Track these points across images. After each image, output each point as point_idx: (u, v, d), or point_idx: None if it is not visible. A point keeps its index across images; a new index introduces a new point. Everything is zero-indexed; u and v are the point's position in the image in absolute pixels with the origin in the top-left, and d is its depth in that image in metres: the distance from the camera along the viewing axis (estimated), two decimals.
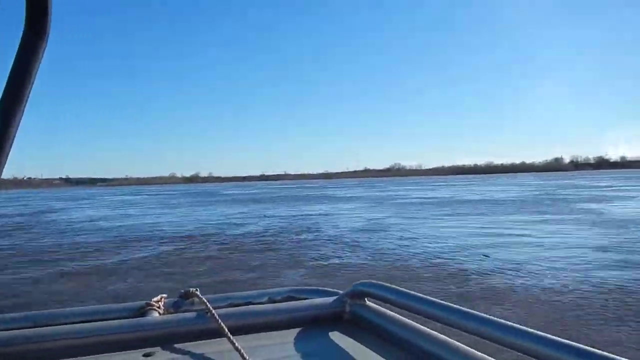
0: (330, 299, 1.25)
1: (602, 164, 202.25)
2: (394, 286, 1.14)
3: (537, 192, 36.49)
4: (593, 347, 0.69)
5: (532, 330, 0.78)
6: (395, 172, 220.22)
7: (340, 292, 1.28)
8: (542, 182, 60.90)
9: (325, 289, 1.37)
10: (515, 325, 0.81)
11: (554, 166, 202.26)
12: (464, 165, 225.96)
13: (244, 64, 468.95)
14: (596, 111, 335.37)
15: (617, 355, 0.64)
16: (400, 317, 1.08)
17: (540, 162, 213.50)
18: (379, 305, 1.17)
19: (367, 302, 1.20)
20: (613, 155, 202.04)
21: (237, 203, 35.31)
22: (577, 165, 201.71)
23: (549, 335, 0.75)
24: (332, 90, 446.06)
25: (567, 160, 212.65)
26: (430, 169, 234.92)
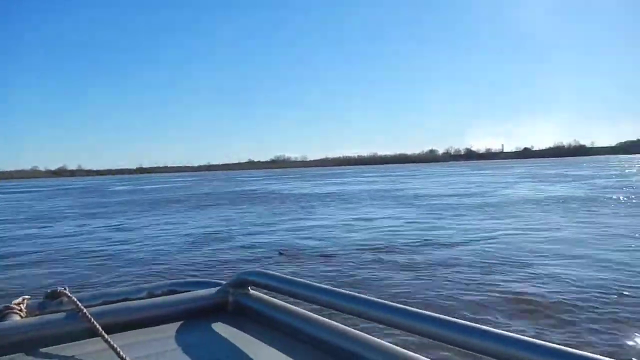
0: (213, 290, 1.25)
1: (471, 155, 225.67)
2: (277, 274, 1.16)
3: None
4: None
5: (414, 309, 0.82)
6: (279, 164, 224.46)
7: (224, 282, 1.29)
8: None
9: (208, 280, 1.37)
10: (398, 305, 0.85)
11: (430, 157, 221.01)
12: (349, 156, 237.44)
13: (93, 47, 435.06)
14: (462, 107, 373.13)
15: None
16: (285, 304, 1.13)
17: (417, 154, 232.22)
18: (264, 293, 1.20)
19: (251, 291, 1.23)
20: (477, 147, 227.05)
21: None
22: (452, 156, 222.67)
23: (423, 312, 0.81)
24: (211, 85, 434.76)
25: (440, 152, 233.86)
26: (314, 160, 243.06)
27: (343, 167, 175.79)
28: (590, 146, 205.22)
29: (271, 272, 1.19)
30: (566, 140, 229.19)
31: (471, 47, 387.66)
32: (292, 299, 1.09)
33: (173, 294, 1.28)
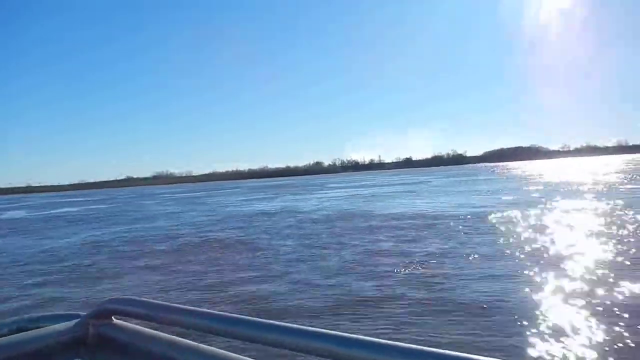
0: (71, 324, 1.15)
1: (358, 166, 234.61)
2: (145, 299, 1.09)
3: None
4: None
5: (302, 327, 0.83)
6: (162, 180, 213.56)
7: (83, 314, 1.18)
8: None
9: (66, 312, 1.23)
10: (283, 324, 0.85)
11: (318, 169, 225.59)
12: (240, 170, 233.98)
13: None
14: (340, 121, 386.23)
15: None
16: (155, 332, 1.07)
17: (303, 165, 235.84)
18: (129, 322, 1.13)
19: (115, 321, 1.14)
20: (357, 158, 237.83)
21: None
22: (342, 167, 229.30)
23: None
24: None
25: (326, 163, 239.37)
26: (202, 175, 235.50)
27: (238, 180, 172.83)
28: (465, 155, 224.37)
29: (138, 298, 1.10)
30: (444, 150, 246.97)
31: (351, 60, 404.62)
32: (167, 327, 1.02)
33: (21, 331, 1.12)
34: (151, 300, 1.07)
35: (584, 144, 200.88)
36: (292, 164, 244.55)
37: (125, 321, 1.12)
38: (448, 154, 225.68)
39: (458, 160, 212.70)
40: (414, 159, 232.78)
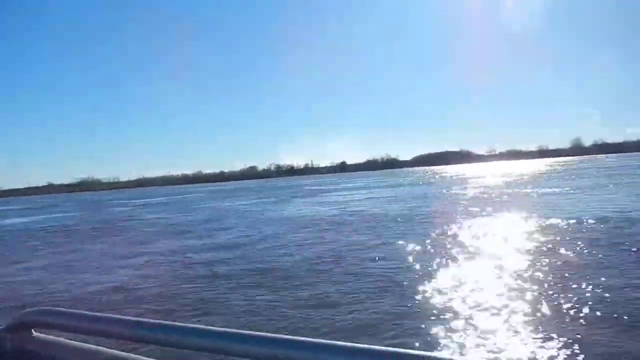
0: None
1: (293, 171, 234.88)
2: (68, 310, 1.04)
3: None
4: None
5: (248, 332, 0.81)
6: (87, 186, 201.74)
7: None
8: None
9: None
10: (226, 330, 0.82)
11: (252, 173, 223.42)
12: (173, 175, 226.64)
13: None
14: (271, 125, 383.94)
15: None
16: (78, 344, 1.01)
17: (239, 170, 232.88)
18: (50, 334, 1.06)
19: (35, 334, 1.07)
20: (291, 163, 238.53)
21: None
22: (277, 172, 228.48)
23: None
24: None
25: (260, 168, 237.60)
26: (131, 181, 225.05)
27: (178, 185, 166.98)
28: (398, 159, 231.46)
29: (60, 308, 1.05)
30: (377, 154, 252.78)
31: (279, 66, 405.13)
32: (94, 338, 0.97)
33: None
34: (75, 311, 1.03)
35: (509, 148, 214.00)
36: (226, 169, 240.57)
37: (47, 334, 1.06)
38: (382, 158, 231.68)
39: (391, 164, 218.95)
40: (348, 163, 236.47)
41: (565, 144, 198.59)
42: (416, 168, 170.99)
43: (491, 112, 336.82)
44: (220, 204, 37.38)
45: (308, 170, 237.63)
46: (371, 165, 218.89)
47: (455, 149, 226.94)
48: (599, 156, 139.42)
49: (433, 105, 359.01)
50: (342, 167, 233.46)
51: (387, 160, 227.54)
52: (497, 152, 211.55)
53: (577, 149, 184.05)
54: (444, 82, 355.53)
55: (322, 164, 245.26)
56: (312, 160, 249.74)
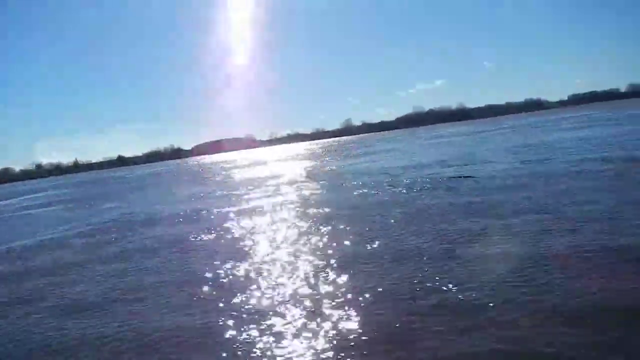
0: None
1: (62, 169, 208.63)
2: None
3: None
4: None
5: None
6: None
7: None
8: None
9: None
10: None
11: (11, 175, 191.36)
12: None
13: None
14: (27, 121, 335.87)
15: None
16: None
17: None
18: None
19: None
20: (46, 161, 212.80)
21: None
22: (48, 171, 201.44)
23: None
24: None
25: (17, 169, 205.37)
26: None
27: None
28: (183, 149, 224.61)
29: None
30: (160, 145, 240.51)
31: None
32: None
33: None
34: None
35: (290, 132, 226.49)
36: None
37: None
38: (166, 149, 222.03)
39: (177, 154, 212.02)
40: (126, 156, 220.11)
41: (338, 126, 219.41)
42: (199, 157, 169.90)
43: (274, 101, 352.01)
44: None
45: (82, 167, 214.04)
46: (154, 157, 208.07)
47: (241, 135, 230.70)
48: (368, 135, 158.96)
49: (214, 95, 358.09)
50: (121, 161, 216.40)
51: (173, 151, 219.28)
52: (278, 136, 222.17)
53: (350, 129, 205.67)
54: (220, 74, 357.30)
55: (95, 160, 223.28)
56: (76, 158, 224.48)
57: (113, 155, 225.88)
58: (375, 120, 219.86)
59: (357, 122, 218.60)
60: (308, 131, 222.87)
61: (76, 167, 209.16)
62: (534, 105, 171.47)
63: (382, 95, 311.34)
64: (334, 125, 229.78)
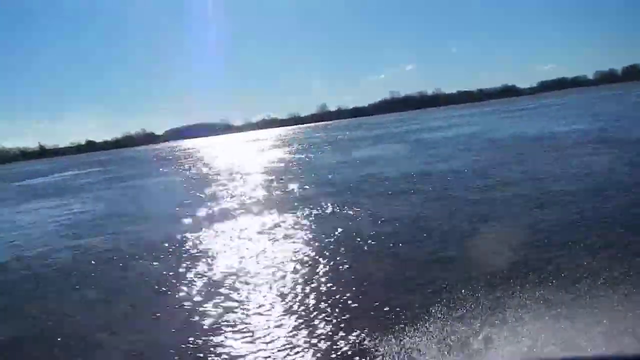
0: None
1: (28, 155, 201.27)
2: None
3: None
4: None
5: None
6: None
7: None
8: None
9: None
10: None
11: None
12: None
13: None
14: None
15: None
16: None
17: None
18: None
19: None
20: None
21: None
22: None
23: None
24: None
25: None
26: None
27: None
28: (156, 134, 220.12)
29: None
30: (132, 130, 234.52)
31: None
32: None
33: None
34: None
35: (265, 117, 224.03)
36: None
37: None
38: (138, 133, 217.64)
39: (150, 139, 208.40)
40: (96, 141, 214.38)
41: (312, 111, 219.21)
42: (173, 143, 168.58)
43: (244, 86, 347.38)
44: None
45: (48, 153, 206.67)
46: (126, 142, 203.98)
47: (216, 120, 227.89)
48: (347, 120, 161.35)
49: (186, 79, 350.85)
50: (90, 146, 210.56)
51: (145, 135, 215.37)
52: (253, 121, 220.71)
53: (324, 115, 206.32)
54: (191, 56, 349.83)
55: (62, 145, 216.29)
56: (39, 142, 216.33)
57: (80, 139, 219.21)
58: (349, 105, 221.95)
59: (332, 107, 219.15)
60: (283, 116, 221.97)
61: (41, 153, 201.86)
62: (511, 92, 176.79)
63: (350, 81, 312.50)
64: (308, 110, 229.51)
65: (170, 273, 7.97)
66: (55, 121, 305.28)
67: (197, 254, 8.93)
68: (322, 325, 5.33)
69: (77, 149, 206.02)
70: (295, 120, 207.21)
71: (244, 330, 5.43)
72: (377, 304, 5.62)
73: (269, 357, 4.73)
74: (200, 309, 6.25)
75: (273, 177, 20.41)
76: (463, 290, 5.50)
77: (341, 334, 5.00)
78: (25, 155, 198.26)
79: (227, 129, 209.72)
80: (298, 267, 7.48)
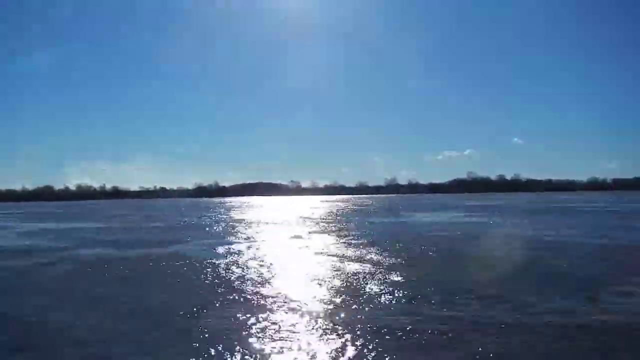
0: None
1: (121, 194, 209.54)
2: None
3: None
4: None
5: None
6: None
7: None
8: None
9: None
10: None
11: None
12: None
13: None
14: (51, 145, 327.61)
15: None
16: None
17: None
18: None
19: None
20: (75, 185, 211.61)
21: None
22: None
23: None
24: None
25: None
26: None
27: None
28: (225, 187, 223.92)
29: None
30: (203, 181, 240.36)
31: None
32: None
33: None
34: None
35: (330, 183, 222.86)
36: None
37: None
38: (210, 185, 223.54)
39: (221, 192, 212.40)
40: (168, 188, 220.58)
41: (382, 183, 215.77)
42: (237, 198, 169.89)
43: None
44: None
45: (121, 194, 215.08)
46: (200, 192, 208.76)
47: (284, 181, 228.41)
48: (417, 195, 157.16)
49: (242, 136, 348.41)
50: (164, 192, 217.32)
51: (217, 188, 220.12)
52: (321, 186, 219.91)
53: (396, 188, 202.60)
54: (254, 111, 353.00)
55: (133, 188, 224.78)
56: (106, 185, 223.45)
57: (148, 185, 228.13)
58: (403, 181, 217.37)
59: (402, 182, 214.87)
60: (352, 184, 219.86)
61: (116, 194, 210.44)
62: (597, 185, 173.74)
63: (407, 157, 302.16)
64: (377, 181, 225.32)
65: None
66: (119, 163, 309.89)
67: None
68: None
69: (148, 193, 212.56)
70: (362, 190, 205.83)
71: None
72: None
73: None
74: None
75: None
76: None
77: None
78: (106, 194, 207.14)
79: (293, 190, 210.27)
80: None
